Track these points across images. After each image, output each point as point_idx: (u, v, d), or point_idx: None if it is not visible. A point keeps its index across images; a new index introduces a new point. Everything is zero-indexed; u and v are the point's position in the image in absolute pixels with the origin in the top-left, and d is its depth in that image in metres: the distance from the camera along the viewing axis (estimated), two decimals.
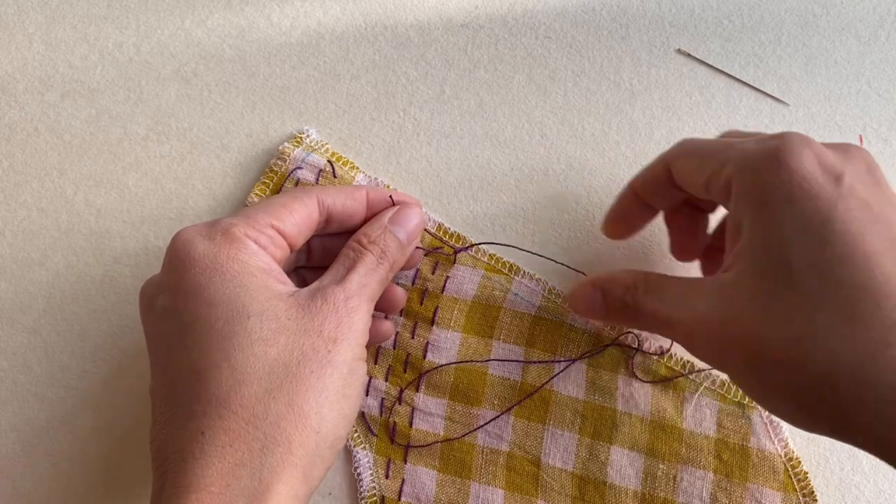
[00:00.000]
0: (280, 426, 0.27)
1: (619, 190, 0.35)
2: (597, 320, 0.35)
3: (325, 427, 0.28)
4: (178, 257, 0.30)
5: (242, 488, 0.26)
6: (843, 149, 0.27)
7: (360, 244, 0.32)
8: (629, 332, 0.35)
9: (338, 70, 0.42)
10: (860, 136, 0.40)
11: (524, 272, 0.38)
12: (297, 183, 0.38)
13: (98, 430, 0.39)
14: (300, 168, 0.38)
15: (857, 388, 0.23)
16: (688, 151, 0.31)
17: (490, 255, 0.38)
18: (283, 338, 0.28)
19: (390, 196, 0.35)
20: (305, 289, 0.30)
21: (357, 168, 0.40)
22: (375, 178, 0.40)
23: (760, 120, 0.41)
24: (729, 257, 0.28)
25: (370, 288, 0.31)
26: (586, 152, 0.40)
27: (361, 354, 0.30)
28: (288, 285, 0.31)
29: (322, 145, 0.40)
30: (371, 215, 0.34)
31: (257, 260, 0.30)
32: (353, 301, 0.30)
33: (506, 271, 0.37)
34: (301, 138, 0.40)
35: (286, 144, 0.39)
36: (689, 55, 0.42)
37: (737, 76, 0.41)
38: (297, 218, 0.32)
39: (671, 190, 0.32)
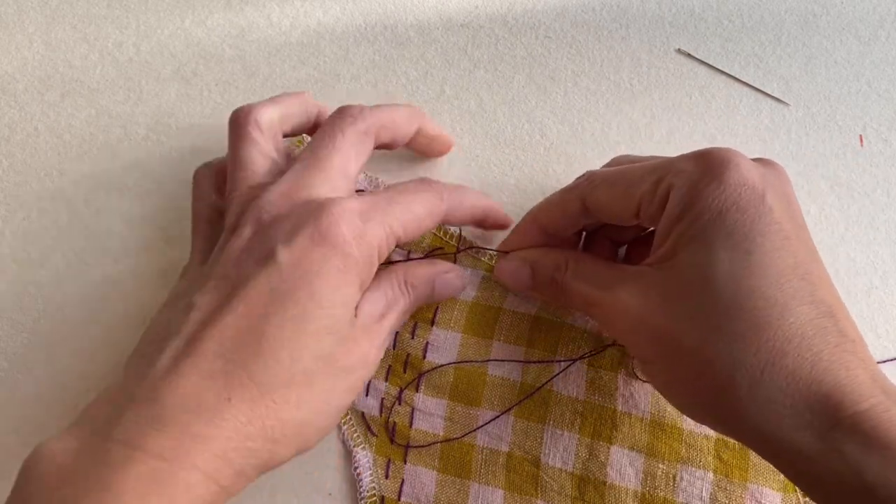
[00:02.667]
0: (286, 435, 0.28)
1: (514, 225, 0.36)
2: (522, 292, 0.37)
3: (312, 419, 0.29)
4: (320, 230, 0.29)
5: (244, 464, 0.27)
6: (765, 164, 0.29)
7: (406, 283, 0.34)
8: None
9: (338, 70, 0.42)
10: (860, 136, 0.40)
11: None
12: None
13: None
14: None
15: (754, 391, 0.25)
16: (608, 182, 0.31)
17: (490, 254, 0.37)
18: (336, 365, 0.30)
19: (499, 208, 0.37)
20: (359, 319, 0.31)
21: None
22: (376, 178, 0.40)
23: (760, 120, 0.41)
24: (656, 252, 0.29)
25: (392, 331, 0.34)
26: (586, 152, 0.40)
27: (357, 386, 0.32)
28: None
29: None
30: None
31: (367, 276, 0.31)
32: (376, 352, 0.32)
33: None
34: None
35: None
36: (689, 55, 0.42)
37: (737, 76, 0.41)
38: (423, 217, 0.32)
39: (581, 222, 0.33)
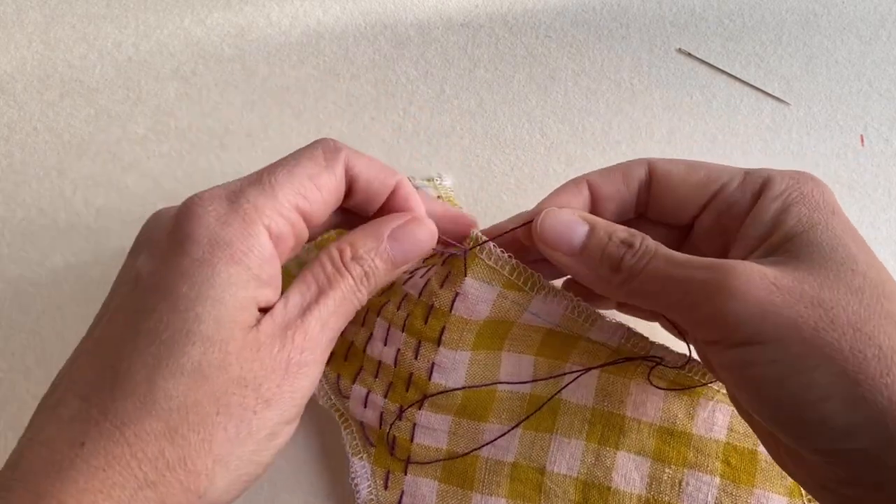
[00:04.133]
0: (164, 476, 0.23)
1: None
2: (559, 260, 0.30)
3: (211, 493, 0.24)
4: (180, 225, 0.25)
5: None
6: None
7: (341, 259, 0.27)
8: (655, 357, 0.33)
9: (337, 69, 0.42)
10: (861, 135, 0.40)
11: (548, 289, 0.31)
12: None
13: None
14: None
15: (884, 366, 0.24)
16: (687, 162, 0.30)
17: (512, 265, 0.31)
18: (219, 380, 0.24)
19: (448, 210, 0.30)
20: (268, 318, 0.26)
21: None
22: None
23: (762, 119, 0.40)
24: (759, 243, 0.28)
25: (334, 328, 0.27)
26: (587, 152, 0.40)
27: (293, 417, 0.26)
28: (271, 302, 0.26)
29: (448, 192, 0.37)
30: (388, 212, 0.29)
31: (255, 262, 0.25)
32: (307, 355, 0.26)
33: (527, 287, 0.31)
34: (434, 182, 0.36)
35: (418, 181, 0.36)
36: (689, 55, 0.41)
37: (738, 76, 0.41)
38: (326, 194, 0.27)
39: (634, 199, 0.31)
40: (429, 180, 0.38)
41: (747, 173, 0.29)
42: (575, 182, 0.31)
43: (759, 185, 0.29)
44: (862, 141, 0.40)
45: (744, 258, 0.28)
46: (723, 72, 0.41)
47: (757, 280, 0.25)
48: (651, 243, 0.28)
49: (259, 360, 0.25)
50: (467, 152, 0.41)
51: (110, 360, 0.24)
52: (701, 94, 0.41)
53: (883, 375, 0.24)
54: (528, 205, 0.40)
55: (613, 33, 0.42)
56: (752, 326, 0.25)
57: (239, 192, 0.26)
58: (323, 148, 0.28)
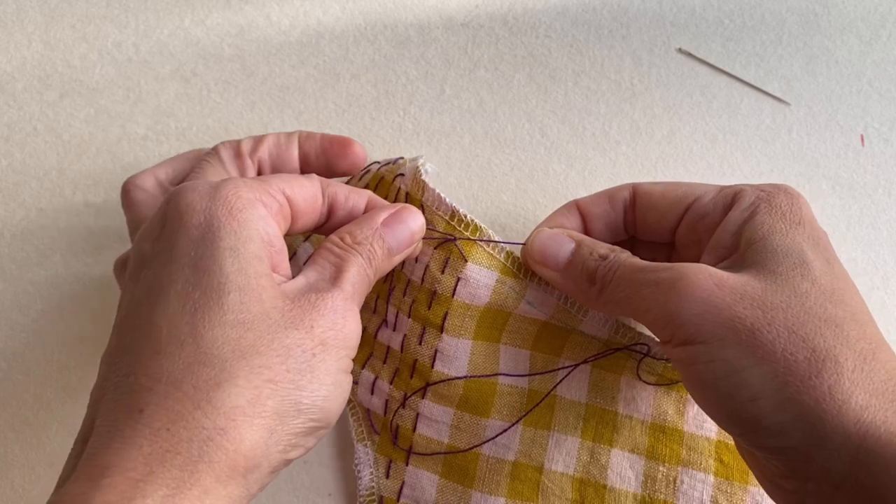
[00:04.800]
0: (235, 420, 0.23)
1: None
2: (547, 276, 0.33)
3: (284, 432, 0.25)
4: (171, 206, 0.26)
5: (167, 478, 0.22)
6: None
7: (344, 242, 0.29)
8: (644, 344, 0.34)
9: (337, 69, 0.42)
10: (861, 135, 0.40)
11: (539, 277, 0.34)
12: (399, 193, 0.36)
13: None
14: (403, 175, 0.36)
15: (857, 375, 0.25)
16: (665, 183, 0.33)
17: (507, 252, 0.34)
18: (264, 324, 0.25)
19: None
20: (292, 281, 0.27)
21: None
22: None
23: (762, 119, 0.40)
24: (721, 250, 0.29)
25: (361, 295, 0.29)
26: (587, 152, 0.40)
27: (348, 366, 0.27)
28: (282, 269, 0.28)
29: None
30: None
31: (262, 225, 0.27)
32: (350, 304, 0.27)
33: (521, 275, 0.34)
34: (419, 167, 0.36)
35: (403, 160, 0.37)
36: (690, 55, 0.41)
37: (738, 76, 0.41)
38: (307, 193, 0.29)
39: (621, 218, 0.33)
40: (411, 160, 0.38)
41: (722, 188, 0.31)
42: (566, 206, 0.34)
43: (731, 198, 0.30)
44: (862, 141, 0.40)
45: (710, 261, 0.29)
46: (723, 72, 0.41)
47: (702, 281, 0.27)
48: (622, 256, 0.30)
49: (300, 307, 0.26)
50: (467, 152, 0.41)
51: (145, 332, 0.25)
52: (701, 93, 0.41)
53: (812, 377, 0.25)
54: (528, 205, 0.40)
55: (613, 33, 0.42)
56: (693, 326, 0.26)
57: (223, 180, 0.28)
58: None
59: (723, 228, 0.29)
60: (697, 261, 0.30)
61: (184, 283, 0.25)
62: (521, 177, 0.40)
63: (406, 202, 0.35)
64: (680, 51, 0.41)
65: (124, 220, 0.41)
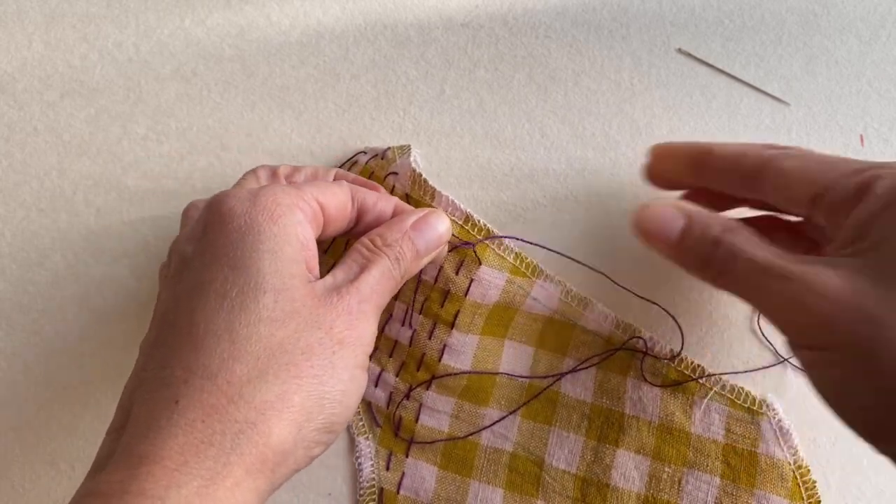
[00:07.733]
0: (265, 414, 0.25)
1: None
2: (661, 252, 0.31)
3: (309, 427, 0.26)
4: (213, 211, 0.28)
5: (202, 468, 0.24)
6: None
7: (374, 244, 0.31)
8: (639, 337, 0.35)
9: (337, 69, 0.42)
10: (861, 135, 0.40)
11: (546, 274, 0.37)
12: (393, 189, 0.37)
13: (97, 430, 0.39)
14: (395, 173, 0.37)
15: None
16: (802, 156, 0.30)
17: (516, 253, 0.36)
18: (293, 323, 0.27)
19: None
20: (321, 281, 0.29)
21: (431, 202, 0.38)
22: None
23: (761, 120, 0.40)
24: (852, 242, 0.27)
25: (381, 295, 0.30)
26: (587, 152, 0.40)
27: (364, 363, 0.29)
28: (314, 270, 0.29)
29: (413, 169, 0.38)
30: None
31: (299, 230, 0.28)
32: (364, 305, 0.29)
33: (529, 273, 0.36)
34: (409, 152, 0.38)
35: (392, 148, 0.38)
36: (689, 55, 0.41)
37: (737, 76, 0.41)
38: (338, 200, 0.31)
39: (740, 182, 0.31)
40: (400, 149, 0.39)
41: (857, 169, 0.28)
42: (686, 145, 0.33)
43: (865, 183, 0.27)
44: (862, 141, 0.40)
45: (835, 254, 0.27)
46: (723, 72, 0.41)
47: (836, 287, 0.25)
48: (739, 240, 0.28)
49: (323, 306, 0.28)
50: (467, 152, 0.41)
51: (184, 327, 0.26)
52: (701, 94, 0.41)
53: None
54: (527, 205, 0.40)
55: (613, 33, 0.42)
56: (821, 332, 0.26)
57: (261, 187, 0.29)
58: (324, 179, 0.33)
59: (855, 218, 0.27)
60: (817, 241, 0.30)
61: (223, 281, 0.27)
62: (520, 177, 0.40)
63: (405, 202, 0.36)
64: (679, 51, 0.42)
65: (124, 220, 0.41)
